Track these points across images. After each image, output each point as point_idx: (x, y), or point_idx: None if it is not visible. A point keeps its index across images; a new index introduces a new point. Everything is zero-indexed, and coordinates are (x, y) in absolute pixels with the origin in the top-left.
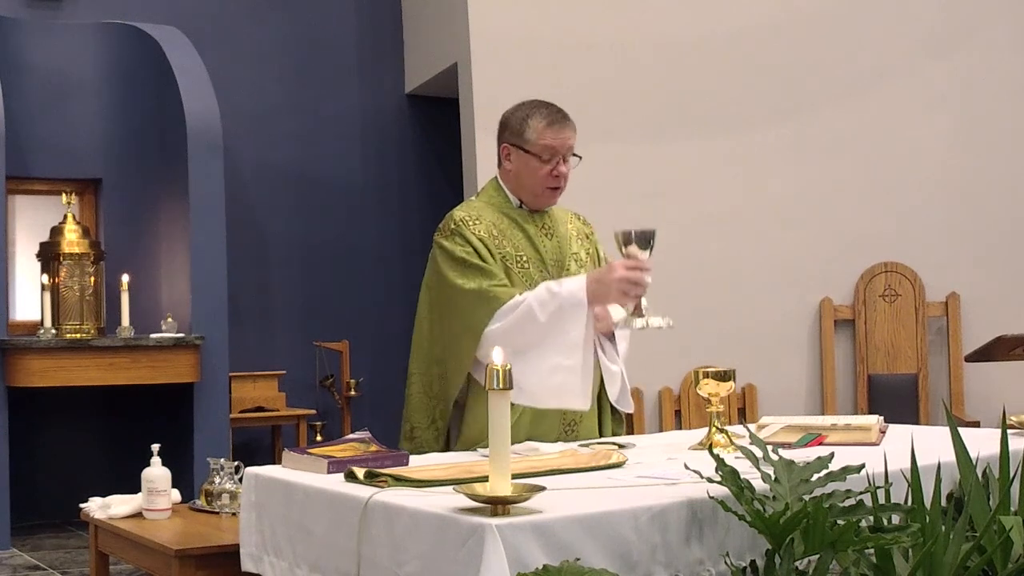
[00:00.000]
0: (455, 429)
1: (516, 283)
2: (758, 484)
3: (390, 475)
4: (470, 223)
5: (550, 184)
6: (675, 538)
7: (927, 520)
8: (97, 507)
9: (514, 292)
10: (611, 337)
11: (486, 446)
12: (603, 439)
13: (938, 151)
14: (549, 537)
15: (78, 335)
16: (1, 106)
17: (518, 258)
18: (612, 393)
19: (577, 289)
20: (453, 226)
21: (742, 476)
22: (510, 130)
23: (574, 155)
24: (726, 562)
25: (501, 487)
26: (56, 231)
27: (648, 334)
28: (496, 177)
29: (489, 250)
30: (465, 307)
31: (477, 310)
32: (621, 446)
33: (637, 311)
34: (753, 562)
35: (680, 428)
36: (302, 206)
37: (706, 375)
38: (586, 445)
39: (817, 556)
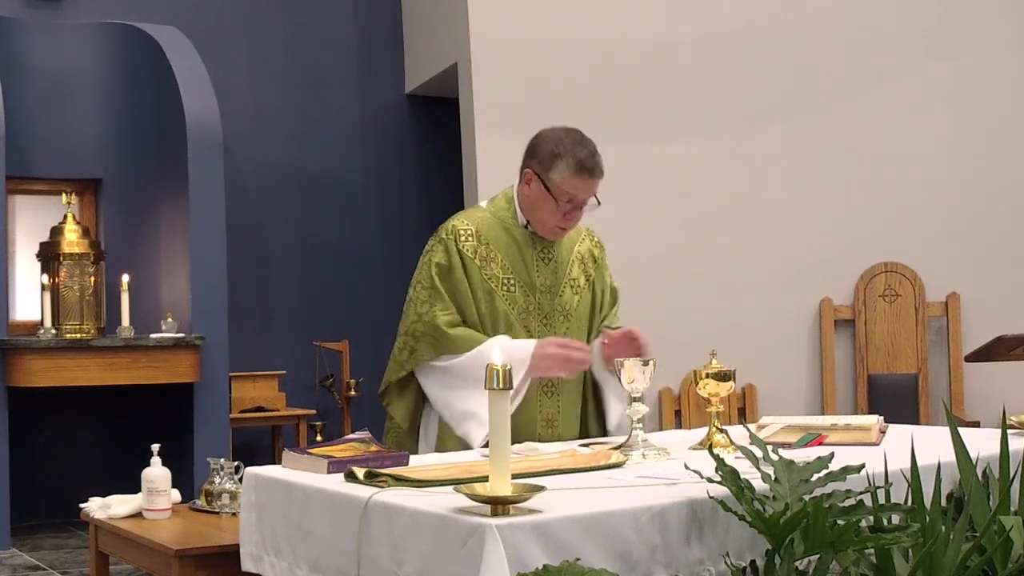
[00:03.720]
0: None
1: (499, 306)
2: (758, 484)
3: (390, 475)
4: (461, 237)
5: (560, 224)
6: (675, 538)
7: (927, 520)
8: (97, 507)
9: (460, 336)
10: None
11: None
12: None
13: (938, 151)
14: (549, 537)
15: (78, 335)
16: (1, 106)
17: (504, 280)
18: (612, 424)
19: (521, 358)
20: (445, 235)
21: (742, 476)
22: (538, 158)
23: (594, 197)
24: (726, 562)
25: (501, 487)
26: (56, 231)
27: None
28: (513, 188)
29: (468, 271)
30: (417, 329)
31: (424, 341)
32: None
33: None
34: (753, 562)
35: (680, 428)
36: (302, 206)
37: (706, 375)
38: (586, 445)
39: (817, 556)
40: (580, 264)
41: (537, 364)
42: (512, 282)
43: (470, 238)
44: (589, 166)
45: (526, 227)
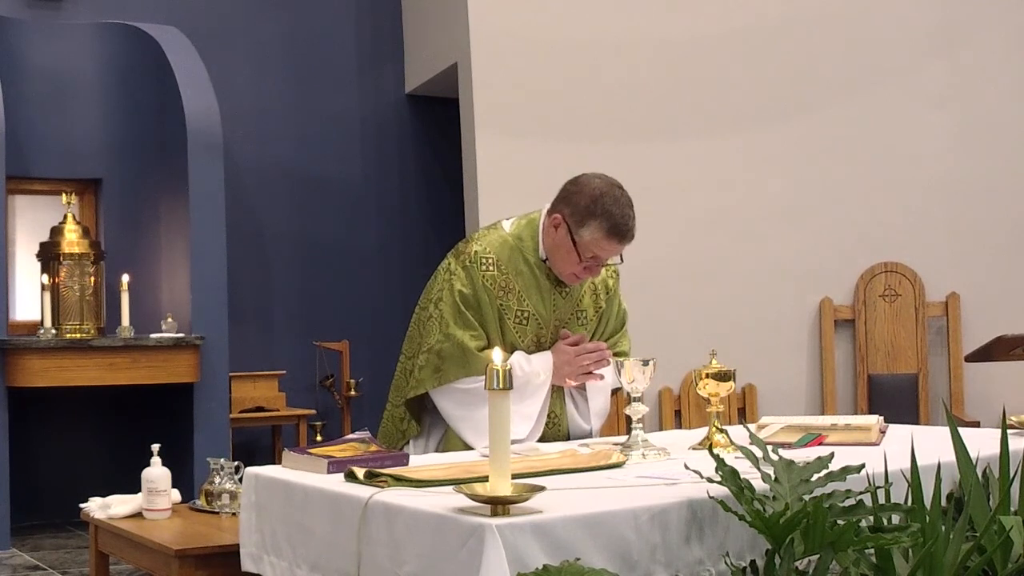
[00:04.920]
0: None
1: (507, 337)
2: (758, 484)
3: (390, 475)
4: (482, 264)
5: (577, 274)
6: (675, 538)
7: (927, 520)
8: (97, 507)
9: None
10: (584, 395)
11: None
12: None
13: (938, 151)
14: (549, 537)
15: (78, 335)
16: (1, 106)
17: (519, 312)
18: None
19: (546, 369)
20: (468, 261)
21: (742, 476)
22: (572, 209)
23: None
24: (726, 562)
25: (501, 487)
26: (56, 231)
27: (653, 334)
28: (540, 217)
29: (489, 298)
30: (444, 349)
31: (451, 361)
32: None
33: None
34: (753, 562)
35: (680, 428)
36: (302, 206)
37: (706, 375)
38: (586, 445)
39: (817, 556)
40: (592, 295)
41: (557, 373)
42: (526, 314)
43: (491, 267)
44: (623, 231)
45: (544, 261)
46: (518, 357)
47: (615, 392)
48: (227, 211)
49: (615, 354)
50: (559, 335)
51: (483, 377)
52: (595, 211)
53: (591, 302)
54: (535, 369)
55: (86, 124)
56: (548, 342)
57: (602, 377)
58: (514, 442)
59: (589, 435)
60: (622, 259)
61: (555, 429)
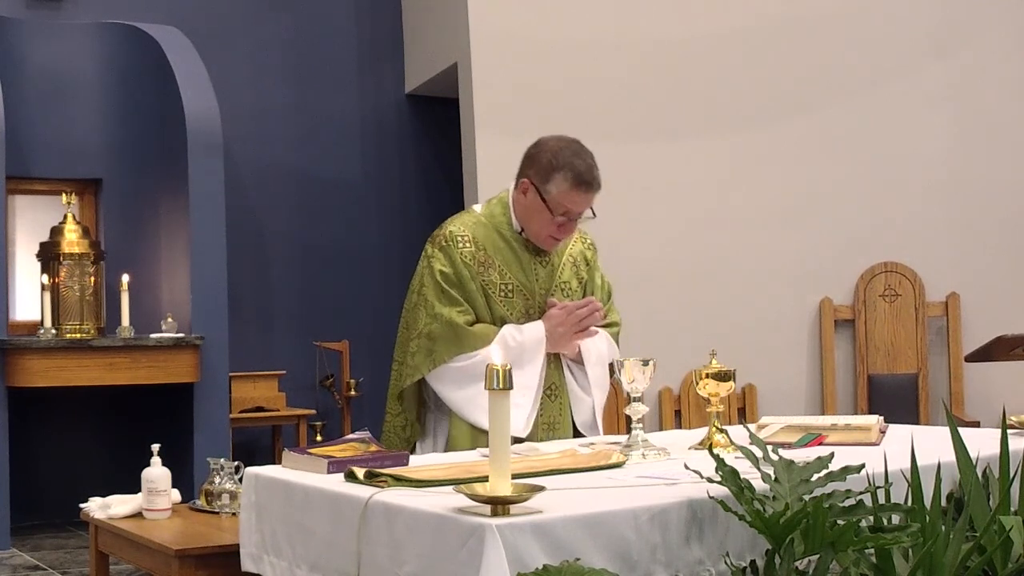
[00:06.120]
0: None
1: (496, 312)
2: (758, 484)
3: (390, 475)
4: (459, 242)
5: (554, 235)
6: (675, 538)
7: (927, 520)
8: (97, 507)
9: (480, 332)
10: (581, 364)
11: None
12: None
13: (938, 151)
14: (549, 537)
15: (78, 335)
16: (1, 106)
17: (503, 287)
18: (579, 420)
19: (538, 337)
20: (444, 241)
21: (742, 476)
22: (535, 169)
23: (590, 209)
24: (726, 562)
25: (501, 487)
26: (56, 231)
27: (653, 334)
28: (509, 194)
29: (471, 276)
30: (434, 330)
31: (443, 341)
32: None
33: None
34: (753, 562)
35: (680, 428)
36: (302, 206)
37: (706, 375)
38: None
39: (817, 556)
40: (572, 267)
41: (552, 338)
42: (510, 287)
43: (468, 244)
44: (587, 180)
45: (520, 233)
46: (509, 329)
47: (612, 376)
48: (227, 211)
49: (608, 325)
50: (547, 305)
51: (477, 352)
52: (558, 165)
53: (572, 274)
54: (527, 338)
55: (86, 124)
56: (537, 314)
57: (597, 333)
58: (515, 441)
59: (592, 409)
60: (594, 213)
61: (557, 402)
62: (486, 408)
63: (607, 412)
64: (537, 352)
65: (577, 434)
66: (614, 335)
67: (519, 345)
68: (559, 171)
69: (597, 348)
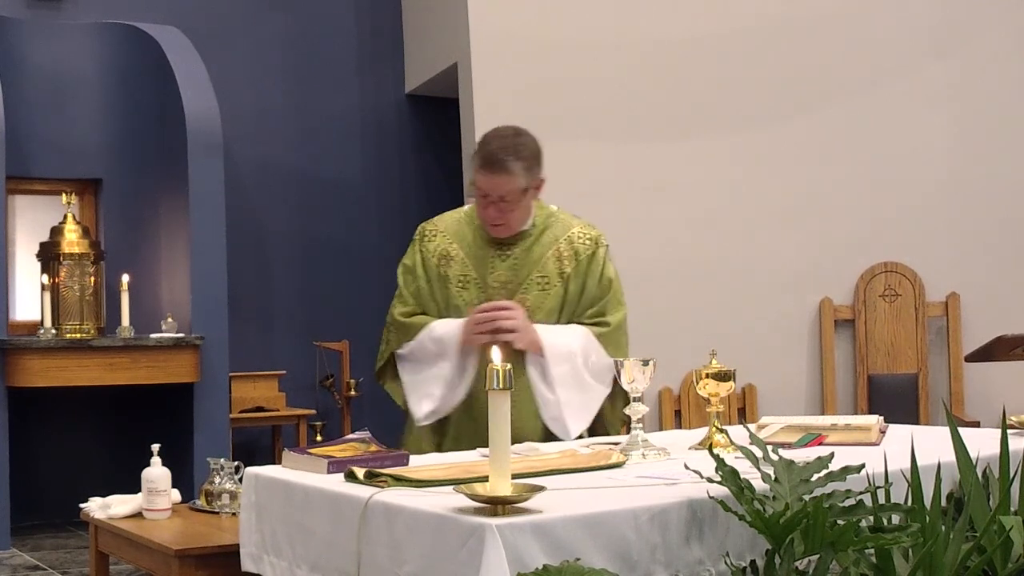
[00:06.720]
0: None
1: (452, 301)
2: (758, 484)
3: (390, 475)
4: (427, 237)
5: (490, 220)
6: (675, 538)
7: (927, 520)
8: (97, 507)
9: (414, 323)
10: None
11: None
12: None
13: (938, 151)
14: (549, 537)
15: (78, 335)
16: (1, 106)
17: (462, 277)
18: (545, 416)
19: (453, 333)
20: (417, 235)
21: (742, 476)
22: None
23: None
24: (726, 562)
25: (501, 487)
26: (56, 231)
27: (653, 334)
28: None
29: (427, 268)
30: (388, 322)
31: (392, 332)
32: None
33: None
34: (753, 562)
35: (680, 428)
36: (302, 206)
37: (706, 375)
38: (586, 445)
39: (817, 556)
40: (556, 260)
41: (466, 335)
42: (467, 279)
43: (435, 236)
44: (491, 161)
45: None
46: (439, 322)
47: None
48: (227, 211)
49: (597, 324)
50: (523, 303)
51: (414, 338)
52: (477, 149)
53: (555, 267)
54: (445, 332)
55: (86, 124)
56: None
57: (510, 342)
58: (442, 452)
59: (557, 405)
60: (524, 191)
61: (521, 394)
62: (417, 393)
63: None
64: (451, 346)
65: (548, 431)
66: (604, 334)
67: (439, 338)
68: (476, 154)
69: (566, 346)
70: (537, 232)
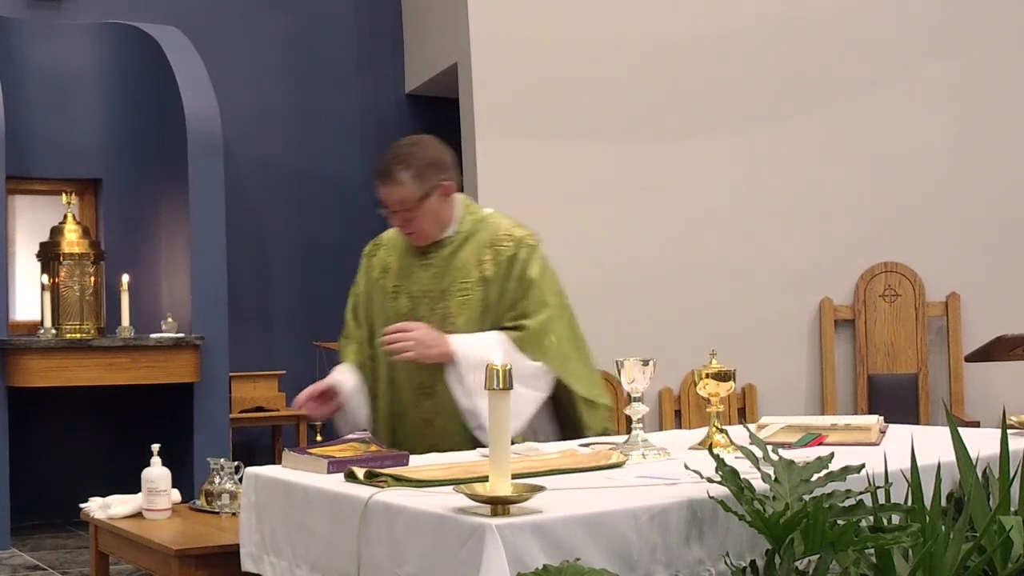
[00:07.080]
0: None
1: (388, 315)
2: (758, 484)
3: (390, 475)
4: (371, 252)
5: (401, 229)
6: (675, 538)
7: (927, 520)
8: (97, 507)
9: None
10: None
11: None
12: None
13: (938, 151)
14: (549, 537)
15: (78, 335)
16: (1, 106)
17: (394, 288)
18: (471, 428)
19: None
20: (365, 251)
21: (742, 476)
22: None
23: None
24: (726, 562)
25: (501, 487)
26: (56, 231)
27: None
28: None
29: (369, 283)
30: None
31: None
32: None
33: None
34: (753, 562)
35: (680, 428)
36: (302, 206)
37: (706, 375)
38: (586, 445)
39: (817, 556)
40: (477, 265)
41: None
42: (399, 289)
43: (379, 250)
44: (379, 172)
45: None
46: (339, 368)
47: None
48: (227, 211)
49: (515, 328)
50: (445, 311)
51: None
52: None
53: (476, 271)
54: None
55: (86, 124)
56: (428, 316)
57: (415, 355)
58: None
59: (474, 413)
60: (403, 208)
61: (432, 400)
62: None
63: None
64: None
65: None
66: (522, 338)
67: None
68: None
69: (479, 354)
70: (461, 239)
